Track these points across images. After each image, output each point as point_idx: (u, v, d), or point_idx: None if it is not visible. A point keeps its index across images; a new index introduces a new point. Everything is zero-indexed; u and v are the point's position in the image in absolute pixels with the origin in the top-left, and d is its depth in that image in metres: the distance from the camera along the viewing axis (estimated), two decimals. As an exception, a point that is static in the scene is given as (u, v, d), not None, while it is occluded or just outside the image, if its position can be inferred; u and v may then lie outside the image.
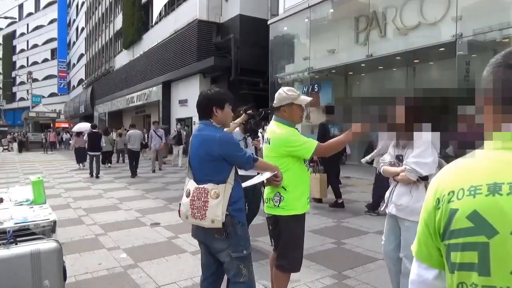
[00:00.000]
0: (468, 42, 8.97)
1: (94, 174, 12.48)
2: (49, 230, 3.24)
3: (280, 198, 2.81)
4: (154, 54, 24.11)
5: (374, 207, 6.47)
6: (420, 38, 9.94)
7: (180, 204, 2.50)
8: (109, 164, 16.39)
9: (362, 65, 12.17)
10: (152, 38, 25.19)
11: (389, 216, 2.94)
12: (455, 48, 9.06)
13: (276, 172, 2.62)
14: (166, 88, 22.74)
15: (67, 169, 15.58)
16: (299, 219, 2.86)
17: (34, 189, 3.93)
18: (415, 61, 11.59)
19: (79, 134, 16.14)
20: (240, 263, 2.42)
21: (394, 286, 2.98)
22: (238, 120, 4.11)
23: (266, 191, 2.91)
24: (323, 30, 13.52)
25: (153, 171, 13.63)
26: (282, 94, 2.90)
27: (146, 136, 19.52)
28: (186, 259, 4.42)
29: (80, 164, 15.59)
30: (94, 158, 12.68)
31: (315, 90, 14.32)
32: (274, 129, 2.89)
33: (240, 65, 17.28)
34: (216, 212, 2.30)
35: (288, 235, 2.83)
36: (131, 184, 10.73)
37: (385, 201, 2.95)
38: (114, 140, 18.14)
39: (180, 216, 2.48)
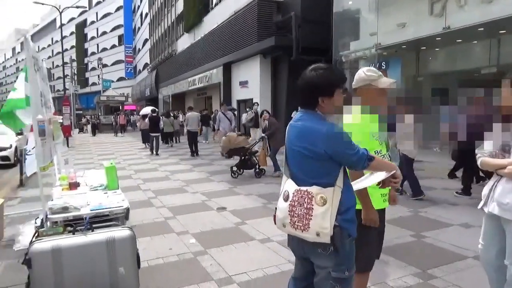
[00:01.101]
0: None
1: (154, 152, 14.14)
2: (122, 217, 3.24)
3: None
4: (214, 36, 24.20)
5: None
6: (508, 5, 8.79)
7: (276, 208, 2.13)
8: (171, 144, 17.94)
9: (438, 38, 11.12)
10: (213, 20, 25.28)
11: (489, 216, 2.53)
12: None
13: (394, 171, 2.10)
14: (227, 69, 22.79)
15: (135, 150, 16.36)
16: None
17: (107, 174, 3.99)
18: (500, 32, 10.35)
19: (145, 117, 17.45)
20: (337, 285, 1.99)
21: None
22: None
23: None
24: (391, 1, 12.54)
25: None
26: (361, 74, 2.58)
27: (212, 118, 19.99)
28: (255, 248, 4.30)
29: (146, 144, 16.82)
30: (155, 138, 14.31)
31: (383, 67, 13.49)
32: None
33: (302, 44, 16.71)
34: (322, 223, 1.89)
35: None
36: (196, 166, 10.91)
37: (484, 199, 2.54)
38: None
39: (275, 223, 2.13)
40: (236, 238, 4.59)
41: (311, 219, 1.91)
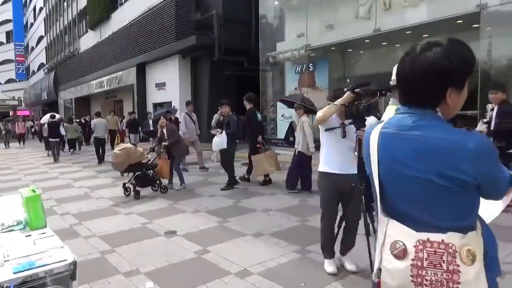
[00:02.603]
0: (491, 13, 8.22)
1: (56, 158, 13.96)
2: (67, 277, 2.13)
3: None
4: (125, 34, 22.23)
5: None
6: (434, 9, 9.10)
7: (377, 269, 1.33)
8: (72, 150, 17.24)
9: (366, 41, 11.26)
10: (123, 16, 23.23)
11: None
12: (479, 19, 8.30)
13: None
14: (141, 70, 21.04)
15: (38, 161, 14.05)
16: None
17: (29, 207, 2.77)
18: (423, 35, 10.80)
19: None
20: None
21: None
22: (340, 100, 3.04)
23: None
24: (320, 2, 12.46)
25: (202, 168, 10.20)
26: None
27: (119, 123, 18.24)
28: (235, 286, 3.40)
29: (48, 152, 16.08)
30: (55, 144, 14.22)
31: (310, 69, 13.39)
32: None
33: (224, 45, 15.98)
34: None
35: None
36: (118, 179, 9.45)
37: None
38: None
39: None
40: (206, 274, 3.63)
41: None
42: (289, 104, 7.94)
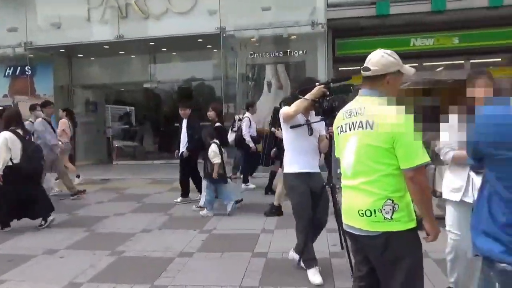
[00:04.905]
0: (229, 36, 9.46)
1: None
2: None
3: (393, 207, 1.91)
4: None
5: None
6: (178, 25, 9.51)
7: None
8: None
9: (106, 47, 10.38)
10: None
11: (466, 205, 2.61)
12: (220, 41, 9.35)
13: None
14: None
15: None
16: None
17: None
18: (162, 49, 11.09)
19: None
20: None
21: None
22: (310, 95, 2.64)
23: (361, 199, 1.92)
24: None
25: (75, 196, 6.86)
26: (389, 58, 1.97)
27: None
28: None
29: None
30: None
31: (28, 73, 11.04)
32: (382, 107, 1.93)
33: None
34: None
35: (414, 259, 1.93)
36: None
37: (460, 190, 2.61)
38: None
39: None
40: None
41: None
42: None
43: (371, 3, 8.58)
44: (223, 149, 5.52)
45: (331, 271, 3.40)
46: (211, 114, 5.96)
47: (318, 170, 3.18)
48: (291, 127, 3.09)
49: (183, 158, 6.07)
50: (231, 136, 7.58)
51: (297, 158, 3.16)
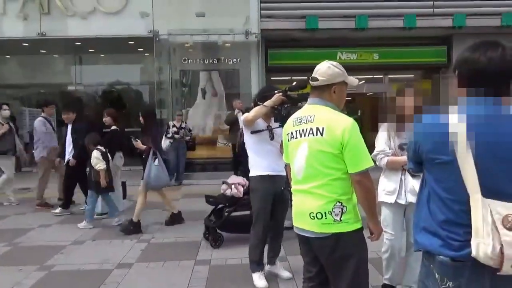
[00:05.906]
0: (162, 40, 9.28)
1: None
2: None
3: (342, 209, 2.09)
4: None
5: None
6: (107, 26, 9.09)
7: (500, 244, 1.31)
8: None
9: (25, 44, 9.55)
10: None
11: (399, 206, 2.89)
12: (153, 45, 9.14)
13: None
14: None
15: None
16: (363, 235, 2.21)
17: None
18: (90, 50, 10.48)
19: None
20: None
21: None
22: (269, 102, 2.74)
23: (312, 202, 2.06)
24: None
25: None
26: (335, 69, 2.15)
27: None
28: None
29: None
30: None
31: None
32: (331, 115, 2.09)
33: None
34: None
35: (360, 258, 2.10)
36: None
37: (395, 193, 2.88)
38: None
39: (502, 265, 1.31)
40: None
41: None
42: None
43: (301, 17, 9.02)
44: (109, 156, 5.24)
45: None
46: (106, 119, 5.69)
47: (283, 174, 3.17)
48: (252, 133, 3.20)
49: (69, 166, 5.71)
50: (165, 142, 7.48)
51: (261, 161, 3.24)
